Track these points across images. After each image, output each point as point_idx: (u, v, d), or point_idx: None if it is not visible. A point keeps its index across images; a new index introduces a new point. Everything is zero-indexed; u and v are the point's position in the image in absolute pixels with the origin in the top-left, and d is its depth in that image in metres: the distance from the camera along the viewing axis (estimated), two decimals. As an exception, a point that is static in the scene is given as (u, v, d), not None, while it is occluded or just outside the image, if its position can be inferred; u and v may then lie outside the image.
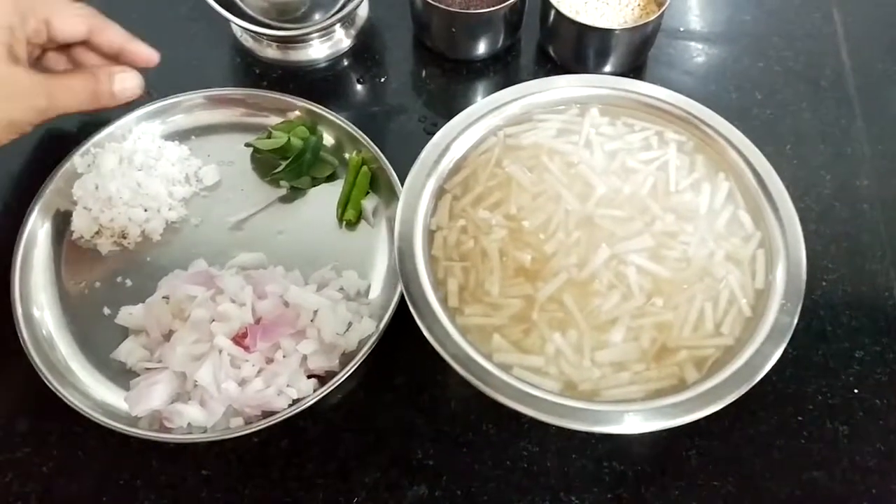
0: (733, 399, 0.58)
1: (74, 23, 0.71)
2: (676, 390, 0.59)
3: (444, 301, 0.63)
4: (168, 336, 0.68)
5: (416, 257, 0.64)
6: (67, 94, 0.68)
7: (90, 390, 0.67)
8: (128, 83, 0.72)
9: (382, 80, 0.86)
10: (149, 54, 0.75)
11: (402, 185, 0.70)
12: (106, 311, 0.71)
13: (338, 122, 0.78)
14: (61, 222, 0.75)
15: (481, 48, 0.83)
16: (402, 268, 0.63)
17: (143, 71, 0.74)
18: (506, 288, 0.64)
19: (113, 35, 0.73)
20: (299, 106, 0.79)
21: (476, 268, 0.65)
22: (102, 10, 0.77)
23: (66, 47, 0.74)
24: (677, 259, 0.65)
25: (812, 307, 0.72)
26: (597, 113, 0.72)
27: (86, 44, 0.73)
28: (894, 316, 0.73)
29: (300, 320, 0.68)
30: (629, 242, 0.65)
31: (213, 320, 0.67)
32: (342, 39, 0.87)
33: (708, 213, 0.67)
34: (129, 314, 0.69)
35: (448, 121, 0.71)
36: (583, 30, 0.79)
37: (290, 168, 0.77)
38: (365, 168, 0.77)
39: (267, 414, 0.65)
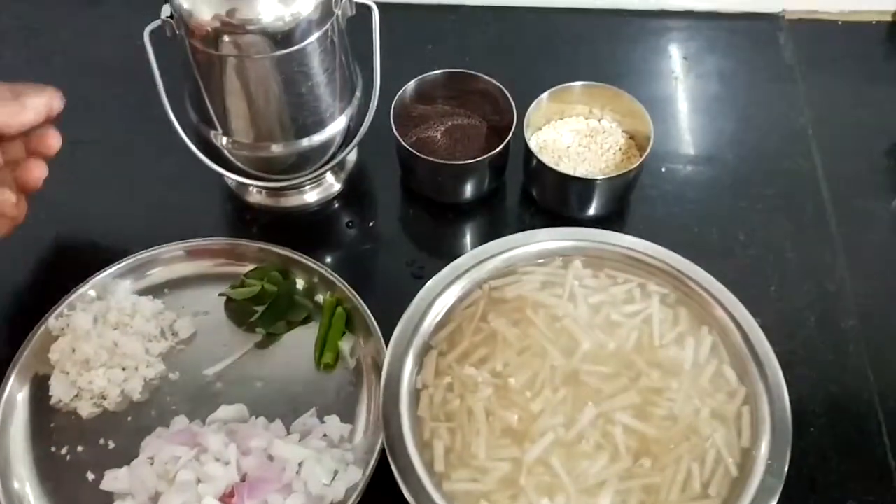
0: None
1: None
2: (665, 556, 0.59)
3: (429, 465, 0.63)
4: (155, 499, 0.67)
5: (401, 419, 0.64)
6: None
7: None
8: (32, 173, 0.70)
9: (371, 224, 0.87)
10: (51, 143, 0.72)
11: (380, 325, 0.74)
12: (90, 476, 0.70)
13: (310, 264, 0.79)
14: (39, 387, 0.75)
15: (467, 192, 0.85)
16: (388, 432, 0.63)
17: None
18: (493, 450, 0.64)
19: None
20: (273, 252, 0.80)
21: (462, 428, 0.65)
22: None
23: None
24: (663, 417, 0.65)
25: (800, 455, 0.71)
26: (580, 265, 0.73)
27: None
28: (886, 462, 0.72)
29: (286, 473, 0.68)
30: (615, 400, 0.66)
31: (200, 481, 0.67)
32: (333, 184, 0.88)
33: (692, 368, 0.68)
34: (114, 479, 0.69)
35: (436, 263, 0.73)
36: (565, 179, 0.80)
37: (265, 314, 0.78)
38: (340, 309, 0.78)
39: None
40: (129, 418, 0.74)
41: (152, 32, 0.71)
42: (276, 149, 0.78)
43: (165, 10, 0.69)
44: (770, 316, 0.78)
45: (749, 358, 0.67)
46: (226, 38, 0.68)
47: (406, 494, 0.60)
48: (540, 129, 0.87)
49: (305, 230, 0.86)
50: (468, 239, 0.87)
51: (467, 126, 0.87)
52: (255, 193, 0.87)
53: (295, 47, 0.70)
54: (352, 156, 0.89)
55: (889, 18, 1.03)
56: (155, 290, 0.81)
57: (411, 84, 0.85)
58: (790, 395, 0.65)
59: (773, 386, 0.65)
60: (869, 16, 1.03)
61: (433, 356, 0.69)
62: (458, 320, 0.71)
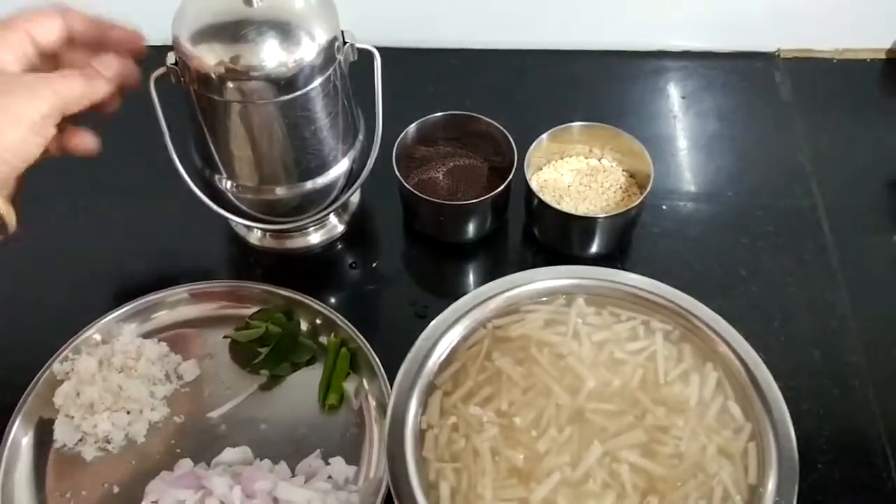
0: None
1: (46, 16, 0.67)
2: None
3: (436, 507, 0.62)
4: (159, 544, 0.67)
5: (406, 460, 0.64)
6: (65, 84, 0.65)
7: None
8: (110, 64, 0.68)
9: (374, 264, 0.88)
10: (131, 36, 0.71)
11: (384, 365, 0.74)
12: (94, 522, 0.70)
13: (314, 306, 0.80)
14: (43, 431, 0.75)
15: (470, 232, 0.86)
16: (393, 473, 0.63)
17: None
18: (499, 490, 0.63)
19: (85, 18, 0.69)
20: (277, 294, 0.81)
21: (468, 469, 0.65)
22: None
23: (53, 58, 0.70)
24: (670, 455, 0.65)
25: (809, 491, 0.71)
26: (583, 303, 0.73)
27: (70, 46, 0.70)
28: (894, 499, 0.72)
29: (291, 516, 0.68)
30: (621, 438, 0.65)
31: (205, 525, 0.67)
32: (336, 226, 0.89)
33: (698, 404, 0.67)
34: (118, 525, 0.69)
35: (439, 303, 0.73)
36: (566, 218, 0.81)
37: (269, 356, 0.78)
38: (344, 349, 0.78)
39: None
40: (134, 462, 0.74)
41: (157, 79, 0.72)
42: (280, 192, 0.79)
43: (170, 58, 0.71)
44: (774, 351, 0.79)
45: (754, 394, 0.67)
46: (229, 84, 0.69)
47: (413, 539, 0.60)
48: (540, 168, 0.88)
49: (309, 271, 0.87)
50: (471, 278, 0.88)
51: (469, 167, 0.88)
52: (259, 236, 0.88)
53: (298, 93, 0.71)
54: (355, 197, 0.90)
55: (883, 56, 1.05)
56: (160, 333, 0.81)
57: (413, 126, 0.86)
58: (796, 430, 0.65)
59: (779, 422, 0.65)
60: (863, 53, 1.05)
61: (438, 396, 0.68)
62: (462, 359, 0.71)
